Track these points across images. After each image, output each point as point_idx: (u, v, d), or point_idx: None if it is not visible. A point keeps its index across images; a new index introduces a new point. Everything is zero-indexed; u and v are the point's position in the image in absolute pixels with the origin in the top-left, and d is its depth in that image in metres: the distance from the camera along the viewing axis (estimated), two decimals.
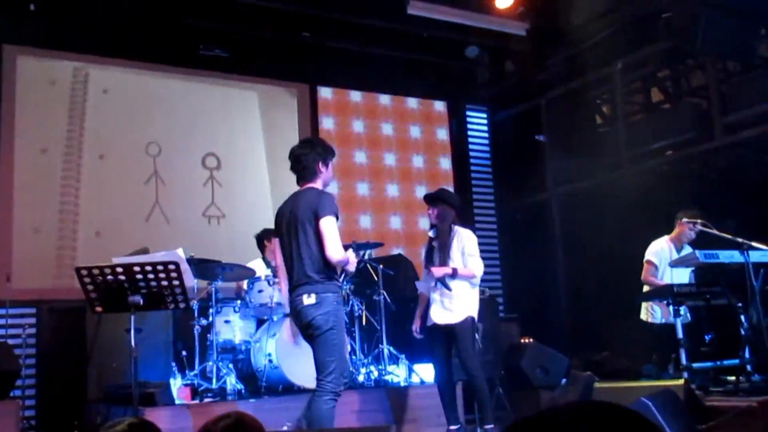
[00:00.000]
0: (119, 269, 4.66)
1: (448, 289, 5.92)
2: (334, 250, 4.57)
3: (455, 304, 5.96)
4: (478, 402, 6.25)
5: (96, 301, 4.78)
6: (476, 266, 6.02)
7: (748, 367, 6.19)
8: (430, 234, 6.19)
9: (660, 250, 7.17)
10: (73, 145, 8.48)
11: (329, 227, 4.56)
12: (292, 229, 4.79)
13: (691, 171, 8.87)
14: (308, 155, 4.80)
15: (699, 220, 6.45)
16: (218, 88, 9.47)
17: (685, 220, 7.05)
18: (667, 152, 9.17)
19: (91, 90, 8.70)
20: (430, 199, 6.16)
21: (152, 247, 7.44)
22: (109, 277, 4.66)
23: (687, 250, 7.21)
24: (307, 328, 4.67)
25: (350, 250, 4.83)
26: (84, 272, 4.69)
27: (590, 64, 9.75)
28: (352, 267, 4.88)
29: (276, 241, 7.88)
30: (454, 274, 5.94)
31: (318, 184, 4.82)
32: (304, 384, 6.66)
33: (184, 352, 7.05)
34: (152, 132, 8.96)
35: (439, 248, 6.08)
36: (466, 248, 6.02)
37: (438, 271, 5.90)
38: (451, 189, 10.77)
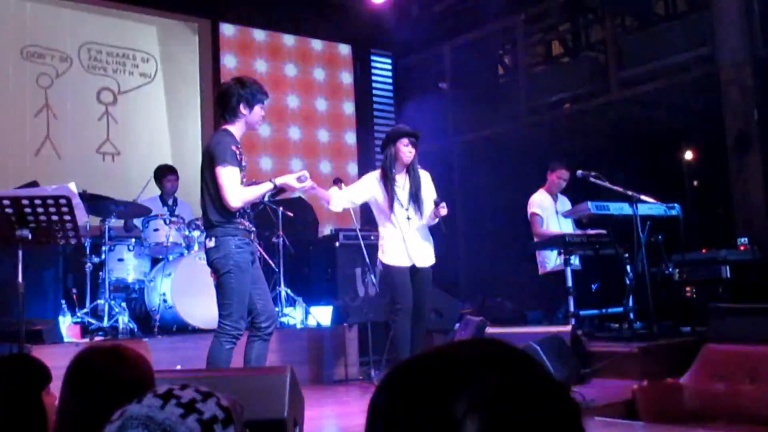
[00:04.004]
0: (6, 201, 4.48)
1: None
2: (232, 198, 4.48)
3: (431, 247, 5.87)
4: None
5: None
6: None
7: (631, 315, 6.46)
8: (397, 175, 5.80)
9: (541, 202, 7.38)
10: None
11: (224, 177, 4.46)
12: (201, 172, 4.72)
13: (586, 124, 9.07)
14: (232, 94, 4.63)
15: (593, 172, 6.62)
16: (115, 20, 9.15)
17: (564, 172, 7.32)
18: (565, 105, 9.35)
19: None
20: (416, 137, 5.80)
21: (42, 183, 7.20)
22: None
23: (561, 199, 7.49)
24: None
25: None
26: None
27: (494, 14, 9.80)
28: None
29: (168, 179, 7.83)
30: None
31: (237, 127, 4.67)
32: (198, 324, 6.65)
33: (74, 290, 6.92)
34: (43, 64, 8.62)
35: (411, 192, 5.78)
36: (431, 192, 5.87)
37: (443, 210, 5.63)
38: (353, 134, 10.81)
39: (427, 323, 5.93)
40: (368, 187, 5.86)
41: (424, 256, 5.77)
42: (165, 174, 7.87)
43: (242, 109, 4.63)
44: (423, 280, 5.74)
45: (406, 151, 5.73)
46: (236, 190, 4.49)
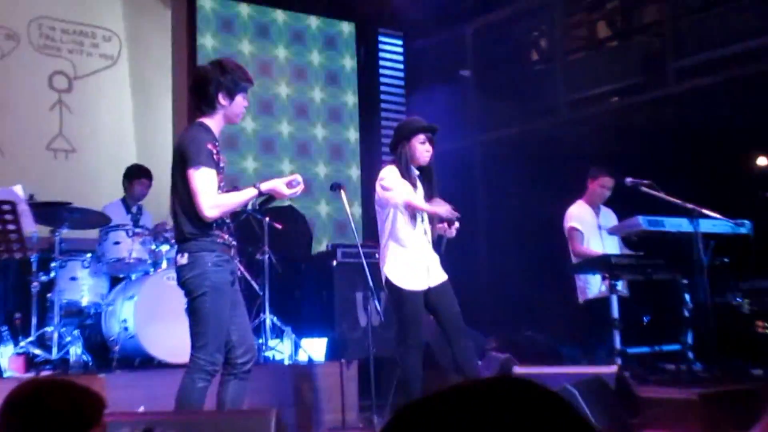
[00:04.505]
0: None
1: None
2: (207, 206, 4.48)
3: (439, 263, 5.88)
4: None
5: None
6: None
7: (690, 354, 6.42)
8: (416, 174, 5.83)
9: (581, 215, 7.39)
10: None
11: (198, 181, 4.46)
12: (171, 175, 4.73)
13: (636, 122, 9.05)
14: (209, 81, 4.64)
15: (644, 180, 6.61)
16: None
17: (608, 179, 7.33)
18: (611, 99, 9.35)
19: None
20: (434, 132, 5.82)
21: None
22: None
23: (604, 212, 7.51)
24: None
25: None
26: None
27: None
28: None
29: (138, 183, 7.85)
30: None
31: (215, 120, 4.68)
32: (166, 357, 6.64)
33: (17, 315, 6.93)
34: None
35: (426, 192, 5.83)
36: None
37: (453, 231, 5.69)
38: (356, 131, 10.82)
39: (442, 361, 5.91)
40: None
41: (439, 271, 5.82)
42: (138, 176, 7.92)
43: (221, 98, 4.64)
44: (445, 292, 5.77)
45: (423, 150, 5.74)
46: (212, 197, 4.49)
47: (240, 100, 4.71)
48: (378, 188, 5.78)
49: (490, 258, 10.09)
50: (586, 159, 8.02)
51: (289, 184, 4.75)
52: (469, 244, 9.89)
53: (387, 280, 5.72)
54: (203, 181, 4.47)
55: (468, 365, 5.68)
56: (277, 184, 4.74)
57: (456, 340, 5.68)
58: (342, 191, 6.02)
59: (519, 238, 9.53)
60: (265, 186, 4.71)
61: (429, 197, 5.78)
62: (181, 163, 4.54)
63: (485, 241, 10.10)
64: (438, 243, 5.85)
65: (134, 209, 7.93)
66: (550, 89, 9.72)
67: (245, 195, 4.71)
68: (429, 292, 5.71)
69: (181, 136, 4.74)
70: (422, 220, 5.76)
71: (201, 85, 4.69)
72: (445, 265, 5.90)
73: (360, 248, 6.48)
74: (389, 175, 5.72)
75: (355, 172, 10.78)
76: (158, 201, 7.92)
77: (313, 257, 8.77)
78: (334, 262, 8.05)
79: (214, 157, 4.55)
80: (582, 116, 9.38)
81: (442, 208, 5.58)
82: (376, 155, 10.86)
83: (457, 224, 5.63)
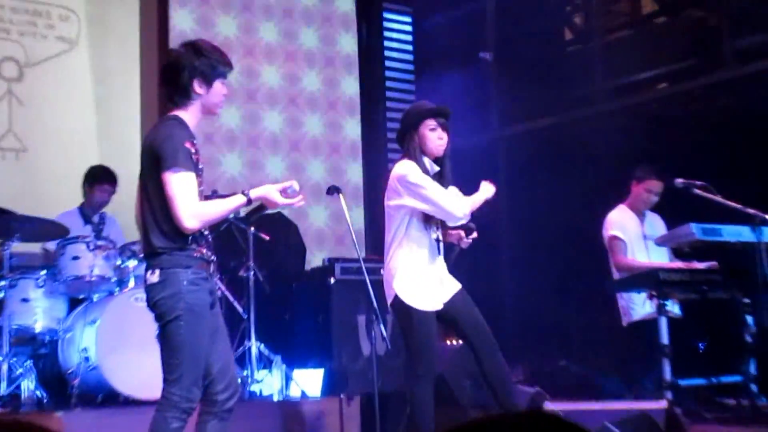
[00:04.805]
0: None
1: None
2: (187, 216, 4.45)
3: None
4: None
5: None
6: None
7: (753, 386, 6.39)
8: (434, 169, 5.78)
9: (624, 223, 7.40)
10: None
11: (175, 186, 4.43)
12: (139, 178, 4.71)
13: (688, 113, 9.01)
14: (182, 66, 4.62)
15: (697, 182, 6.58)
16: None
17: (652, 182, 7.33)
18: (658, 85, 9.32)
19: None
20: (446, 116, 5.77)
21: None
22: None
23: (651, 219, 7.52)
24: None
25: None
26: None
27: None
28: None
29: (100, 188, 7.84)
30: None
31: (190, 112, 4.66)
32: (133, 393, 6.63)
33: None
34: None
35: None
36: None
37: (466, 242, 5.72)
38: (356, 123, 10.80)
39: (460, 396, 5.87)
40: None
41: (451, 282, 5.80)
42: (101, 180, 7.91)
43: (196, 86, 4.62)
44: (463, 300, 5.75)
45: (434, 137, 5.68)
46: (193, 206, 4.45)
47: (219, 87, 4.69)
48: (398, 186, 5.66)
49: (514, 273, 10.06)
50: (628, 157, 8.03)
51: (284, 192, 4.72)
52: (490, 257, 9.89)
53: (396, 298, 5.67)
54: (182, 186, 4.43)
55: (503, 387, 5.64)
56: (270, 192, 4.70)
57: (486, 354, 5.64)
58: (340, 195, 5.99)
59: (549, 249, 9.50)
60: (255, 193, 4.67)
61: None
62: (154, 164, 4.51)
63: (509, 253, 10.11)
64: (447, 252, 5.83)
65: (95, 219, 7.93)
66: (586, 74, 9.69)
67: (232, 203, 4.67)
68: (445, 308, 5.68)
69: (153, 133, 4.70)
70: (437, 227, 5.74)
71: (173, 72, 4.67)
72: (458, 280, 5.86)
73: (362, 263, 6.43)
74: (413, 170, 5.62)
75: (356, 173, 10.78)
76: (121, 209, 7.89)
77: (306, 274, 8.79)
78: (332, 280, 8.01)
79: (193, 157, 4.52)
80: (624, 106, 9.33)
81: (489, 189, 5.71)
82: (380, 152, 10.88)
83: (475, 234, 5.63)
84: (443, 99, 9.02)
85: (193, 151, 4.53)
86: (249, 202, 4.69)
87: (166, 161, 4.44)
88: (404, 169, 5.64)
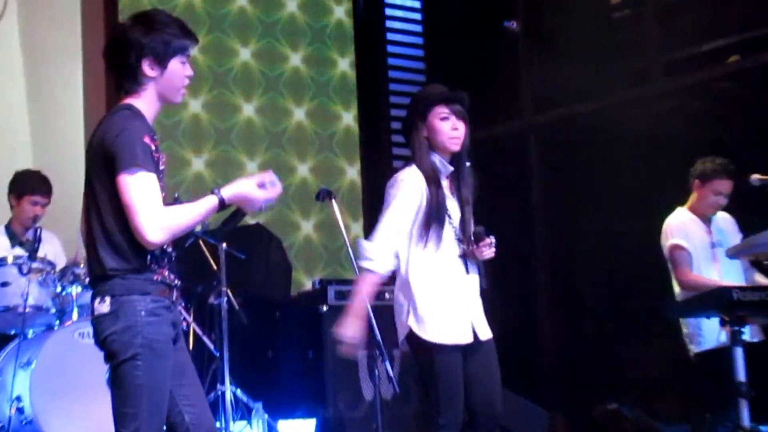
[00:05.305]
0: None
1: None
2: (149, 226, 4.43)
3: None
4: None
5: None
6: None
7: None
8: (448, 169, 5.79)
9: (688, 229, 7.44)
10: None
11: (134, 190, 4.42)
12: (85, 183, 4.72)
13: (766, 92, 9.03)
14: (128, 45, 4.56)
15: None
16: None
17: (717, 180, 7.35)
18: (730, 59, 9.35)
19: None
20: (461, 102, 5.81)
21: None
22: None
23: (720, 223, 7.54)
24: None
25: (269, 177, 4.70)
26: None
27: None
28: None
29: (30, 200, 7.84)
30: None
31: (145, 100, 4.64)
32: None
33: None
34: None
35: (459, 198, 5.81)
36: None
37: (488, 252, 5.66)
38: (351, 112, 10.83)
39: None
40: (413, 206, 5.65)
41: (484, 322, 5.76)
42: (28, 188, 7.88)
43: (147, 68, 4.57)
44: (489, 360, 5.72)
45: (447, 128, 5.66)
46: (157, 214, 4.42)
47: (177, 67, 4.63)
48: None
49: (552, 295, 10.08)
50: (690, 148, 8.04)
51: (261, 186, 4.66)
52: (523, 274, 9.89)
53: (411, 334, 5.63)
54: (142, 190, 4.37)
55: None
56: (245, 188, 4.60)
57: (481, 426, 5.67)
58: (333, 201, 6.02)
59: (594, 264, 9.59)
60: (228, 192, 4.56)
61: (466, 200, 5.79)
62: (105, 165, 4.45)
63: (545, 270, 10.12)
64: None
65: (26, 236, 7.89)
66: (636, 47, 9.75)
67: (202, 207, 4.55)
68: (473, 346, 5.64)
69: (103, 127, 4.61)
70: (456, 235, 5.72)
71: (119, 51, 4.64)
72: (484, 301, 5.85)
73: None
74: (400, 182, 5.68)
75: (352, 173, 10.85)
76: (59, 222, 7.95)
77: (292, 300, 8.83)
78: (324, 307, 8.04)
79: (153, 155, 4.50)
80: (684, 85, 9.37)
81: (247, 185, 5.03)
82: (382, 147, 10.97)
83: (490, 240, 5.61)
84: (459, 81, 9.10)
85: (153, 148, 4.49)
86: (222, 204, 4.57)
87: (122, 160, 4.37)
88: (397, 177, 5.74)
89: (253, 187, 4.63)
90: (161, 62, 4.59)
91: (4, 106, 9.39)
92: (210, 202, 4.53)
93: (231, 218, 4.78)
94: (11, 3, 9.47)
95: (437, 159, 5.70)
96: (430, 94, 5.80)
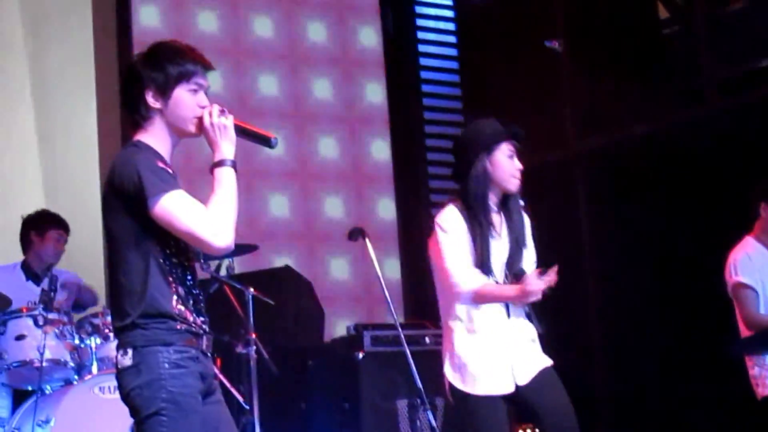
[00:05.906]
0: None
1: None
2: (210, 234, 4.35)
3: (538, 345, 5.85)
4: None
5: None
6: None
7: None
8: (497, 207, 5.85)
9: (754, 263, 7.23)
10: None
11: (174, 207, 4.32)
12: (103, 231, 4.66)
13: None
14: (134, 78, 4.57)
15: None
16: None
17: None
18: None
19: None
20: (520, 141, 5.84)
21: None
22: None
23: None
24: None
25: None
26: None
27: None
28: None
29: (55, 235, 7.80)
30: None
31: (155, 135, 4.58)
32: None
33: None
34: None
35: (512, 248, 5.82)
36: (530, 248, 5.92)
37: (537, 285, 5.53)
38: (385, 140, 10.72)
39: None
40: (464, 240, 5.72)
41: (533, 359, 5.77)
42: (54, 222, 7.93)
43: (150, 99, 4.53)
44: (549, 383, 5.73)
45: (512, 168, 5.70)
46: (209, 220, 4.35)
47: (184, 96, 4.56)
48: (433, 243, 5.75)
49: (606, 335, 10.02)
50: (752, 170, 7.97)
51: (222, 111, 4.58)
52: (572, 310, 9.75)
53: (451, 387, 5.70)
54: (181, 206, 4.35)
55: None
56: (222, 131, 4.56)
57: None
58: (367, 240, 5.88)
59: (649, 301, 9.44)
60: (223, 151, 4.52)
61: (516, 241, 5.80)
62: (119, 208, 4.45)
63: (596, 308, 10.06)
64: (528, 317, 5.82)
65: (45, 280, 7.76)
66: (688, 64, 9.65)
67: (228, 185, 4.51)
68: (520, 391, 5.65)
69: (111, 170, 4.60)
70: (499, 275, 5.74)
71: (126, 86, 4.66)
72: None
73: (400, 329, 6.42)
74: (447, 216, 5.75)
75: (387, 208, 10.77)
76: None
77: (326, 347, 8.80)
78: (360, 354, 7.95)
79: (170, 173, 4.44)
80: (741, 103, 9.25)
81: (534, 286, 5.39)
82: (418, 179, 10.95)
83: (550, 277, 5.47)
84: (498, 106, 8.99)
85: (168, 170, 4.44)
86: (234, 165, 4.54)
87: (146, 189, 4.32)
88: (441, 217, 5.79)
89: (219, 116, 4.58)
90: (164, 92, 4.54)
91: (14, 147, 9.41)
92: (228, 175, 4.52)
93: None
94: (20, 39, 9.49)
95: (492, 196, 5.71)
96: (498, 129, 5.78)
